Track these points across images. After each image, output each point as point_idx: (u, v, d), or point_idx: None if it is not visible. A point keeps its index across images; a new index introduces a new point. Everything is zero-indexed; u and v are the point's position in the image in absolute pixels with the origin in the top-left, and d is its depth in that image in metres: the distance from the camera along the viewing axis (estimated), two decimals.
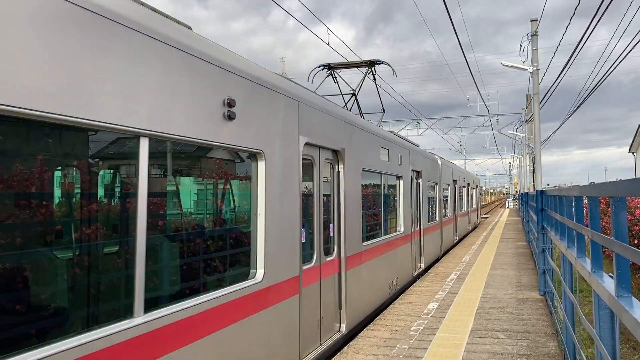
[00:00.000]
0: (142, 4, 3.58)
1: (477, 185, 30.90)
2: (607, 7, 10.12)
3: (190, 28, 4.14)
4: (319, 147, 6.41)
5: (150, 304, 3.39)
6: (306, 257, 5.95)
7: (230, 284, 4.31)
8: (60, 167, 3.04)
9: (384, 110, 12.43)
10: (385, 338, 6.85)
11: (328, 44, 13.07)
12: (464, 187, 23.89)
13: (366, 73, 11.40)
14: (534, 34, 19.78)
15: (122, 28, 3.15)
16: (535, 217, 10.39)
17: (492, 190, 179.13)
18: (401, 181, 10.94)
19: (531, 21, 20.18)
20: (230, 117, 4.31)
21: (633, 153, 40.11)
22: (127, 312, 3.22)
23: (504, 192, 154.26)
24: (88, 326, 3.01)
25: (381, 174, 9.46)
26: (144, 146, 3.34)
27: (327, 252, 6.68)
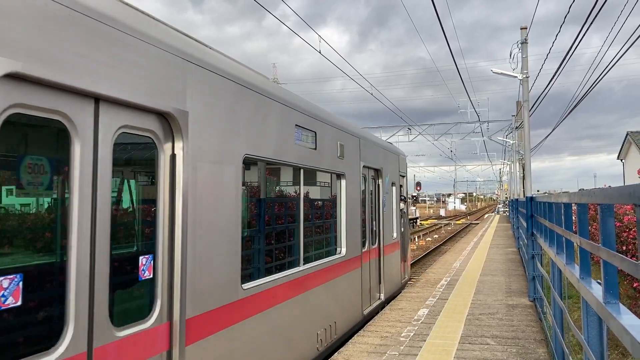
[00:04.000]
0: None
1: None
2: (597, 14, 10.25)
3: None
4: None
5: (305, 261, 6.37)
6: None
7: (330, 255, 7.31)
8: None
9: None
10: (375, 344, 6.84)
11: (319, 52, 13.09)
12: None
13: None
14: (524, 42, 19.97)
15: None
16: (525, 224, 10.44)
17: (482, 197, 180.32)
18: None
19: (521, 29, 20.37)
20: (340, 156, 7.57)
21: (622, 160, 40.50)
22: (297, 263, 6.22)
23: (494, 198, 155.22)
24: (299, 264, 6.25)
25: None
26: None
27: None
